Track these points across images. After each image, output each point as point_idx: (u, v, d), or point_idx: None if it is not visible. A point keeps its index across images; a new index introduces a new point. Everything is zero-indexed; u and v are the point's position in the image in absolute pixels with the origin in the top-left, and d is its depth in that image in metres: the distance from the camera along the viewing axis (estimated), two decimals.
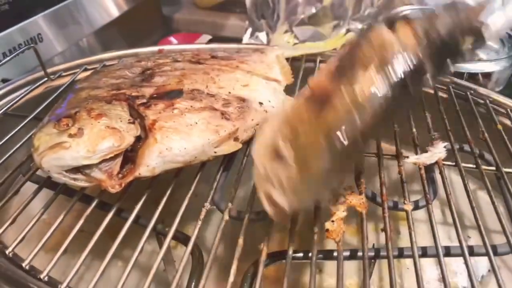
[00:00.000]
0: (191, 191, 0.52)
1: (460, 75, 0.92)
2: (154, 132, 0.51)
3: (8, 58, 0.65)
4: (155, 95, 0.56)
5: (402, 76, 0.42)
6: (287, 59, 0.79)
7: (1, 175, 0.57)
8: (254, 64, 0.70)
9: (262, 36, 1.42)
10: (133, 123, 0.52)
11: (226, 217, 0.48)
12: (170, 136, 0.51)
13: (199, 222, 0.48)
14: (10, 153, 0.58)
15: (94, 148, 0.47)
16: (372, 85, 0.41)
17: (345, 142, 0.39)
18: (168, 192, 0.52)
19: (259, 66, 0.70)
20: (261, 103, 0.61)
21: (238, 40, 1.44)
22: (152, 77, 0.60)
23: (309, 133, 0.40)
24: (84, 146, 0.47)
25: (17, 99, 0.68)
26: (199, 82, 0.60)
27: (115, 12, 1.19)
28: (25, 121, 0.63)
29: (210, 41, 1.35)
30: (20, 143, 0.59)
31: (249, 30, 1.44)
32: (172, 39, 1.28)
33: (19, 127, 0.62)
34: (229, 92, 0.61)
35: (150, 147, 0.50)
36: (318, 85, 0.44)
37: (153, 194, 0.53)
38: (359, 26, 1.38)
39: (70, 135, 0.48)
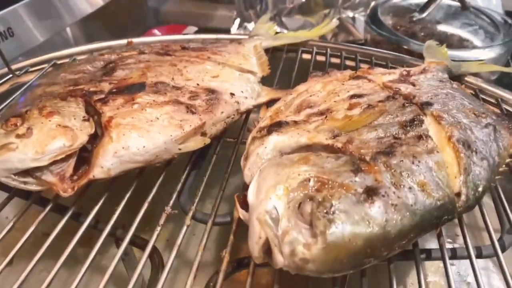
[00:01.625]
0: (152, 193, 0.48)
1: None
2: (110, 130, 0.47)
3: None
4: (114, 90, 0.52)
5: None
6: (267, 49, 0.75)
7: None
8: (228, 55, 0.66)
9: (251, 26, 1.37)
10: (88, 120, 0.48)
11: (188, 221, 0.45)
12: (127, 134, 0.47)
13: (158, 228, 0.44)
14: None
15: (43, 149, 0.44)
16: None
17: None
18: (128, 194, 0.48)
19: (234, 57, 0.66)
20: (232, 94, 0.57)
21: (226, 31, 1.40)
22: (113, 71, 0.56)
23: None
24: (32, 147, 0.44)
25: None
26: (164, 75, 0.56)
27: (98, 3, 1.14)
28: None
29: (196, 33, 1.31)
30: None
31: (237, 20, 1.39)
32: (155, 31, 1.24)
33: None
34: (198, 84, 0.57)
35: (104, 146, 0.46)
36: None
37: (114, 196, 0.49)
38: (351, 14, 1.34)
39: (18, 136, 0.44)
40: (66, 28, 1.04)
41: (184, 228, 0.44)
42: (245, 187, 0.47)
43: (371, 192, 0.37)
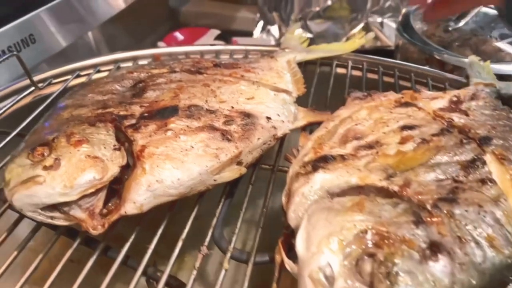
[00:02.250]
0: (186, 230, 0.45)
1: None
2: (143, 161, 0.44)
3: None
4: (146, 114, 0.49)
5: None
6: (299, 63, 0.71)
7: None
8: (261, 72, 0.62)
9: (274, 29, 1.34)
10: (119, 149, 0.45)
11: (226, 265, 0.41)
12: (161, 165, 0.44)
13: (195, 271, 0.41)
14: None
15: (71, 183, 0.41)
16: None
17: None
18: (160, 231, 0.45)
19: (268, 74, 0.62)
20: (268, 118, 0.53)
21: (249, 34, 1.36)
22: (144, 91, 0.53)
23: None
24: (60, 180, 0.41)
25: (1, 111, 0.61)
26: (197, 97, 0.53)
27: (120, 5, 1.11)
28: (6, 140, 0.56)
29: (218, 36, 1.28)
30: (1, 164, 0.53)
31: (261, 23, 1.35)
32: (177, 34, 1.21)
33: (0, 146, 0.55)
34: (232, 107, 0.53)
35: (137, 179, 0.43)
36: None
37: (144, 229, 0.46)
38: (379, 19, 1.29)
39: (45, 168, 0.41)
40: (88, 32, 1.01)
41: (223, 272, 0.41)
42: (285, 226, 0.44)
43: (435, 248, 0.34)
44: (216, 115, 0.51)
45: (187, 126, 0.48)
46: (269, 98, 0.57)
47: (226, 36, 1.30)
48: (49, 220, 0.43)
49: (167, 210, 0.47)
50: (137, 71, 0.58)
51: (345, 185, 0.41)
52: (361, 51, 0.78)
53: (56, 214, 0.43)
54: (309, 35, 1.28)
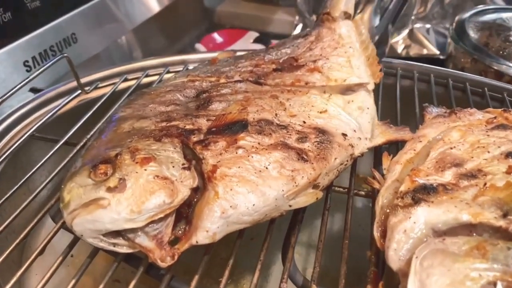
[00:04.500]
0: (261, 261, 0.40)
1: None
2: (215, 183, 0.39)
3: (38, 72, 0.54)
4: (214, 128, 0.44)
5: None
6: None
7: (25, 216, 0.47)
8: (327, 64, 0.57)
9: None
10: (189, 168, 0.40)
11: None
12: (235, 189, 0.39)
13: None
14: (37, 191, 0.48)
15: (139, 208, 0.36)
16: None
17: None
18: (231, 262, 0.40)
19: (335, 63, 0.57)
20: (344, 135, 0.48)
21: (287, 37, 1.31)
22: (209, 103, 0.48)
23: None
24: (126, 204, 0.36)
25: (46, 117, 0.57)
26: (266, 110, 0.48)
27: (155, 7, 1.07)
28: (54, 149, 0.52)
29: (256, 39, 1.23)
30: (47, 179, 0.49)
31: (299, 26, 1.30)
32: (215, 36, 1.17)
33: (47, 157, 0.51)
34: (304, 122, 0.48)
35: (210, 204, 0.38)
36: None
37: (213, 258, 0.42)
38: (426, 26, 1.23)
39: (109, 189, 0.37)
40: (126, 34, 0.97)
41: None
42: (374, 262, 0.39)
43: None
44: (288, 130, 0.46)
45: (258, 143, 0.43)
46: (343, 109, 0.52)
47: (264, 39, 1.26)
48: (111, 248, 0.38)
49: (237, 237, 0.42)
50: (198, 79, 0.53)
51: (453, 222, 0.35)
52: (407, 58, 0.73)
53: (120, 241, 0.38)
54: None
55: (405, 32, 1.24)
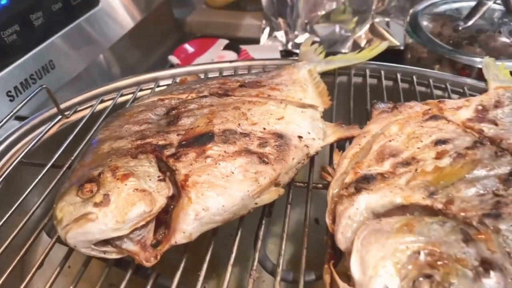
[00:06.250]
0: (233, 255, 0.46)
1: None
2: (188, 190, 0.45)
3: (22, 104, 0.60)
4: (184, 142, 0.50)
5: None
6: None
7: (22, 234, 0.52)
8: (286, 88, 0.64)
9: (281, 35, 1.35)
10: (164, 180, 0.46)
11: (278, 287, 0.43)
12: (205, 194, 0.45)
13: None
14: (32, 211, 0.53)
15: (123, 218, 0.42)
16: None
17: None
18: (208, 257, 0.46)
19: (292, 90, 0.64)
20: (300, 137, 0.55)
21: (256, 41, 1.37)
22: (178, 119, 0.54)
23: None
24: (112, 216, 0.42)
25: (31, 144, 0.62)
26: (230, 120, 0.54)
27: (129, 24, 1.12)
28: (42, 173, 0.57)
29: (227, 46, 1.28)
30: (40, 200, 0.54)
31: (267, 29, 1.36)
32: (187, 46, 1.22)
33: (36, 180, 0.56)
34: (264, 129, 0.54)
35: (184, 209, 0.44)
36: None
37: (190, 253, 0.48)
38: (385, 20, 1.30)
39: (96, 204, 0.42)
40: (102, 53, 1.02)
41: None
42: (329, 244, 0.45)
43: (486, 265, 0.35)
44: (250, 138, 0.52)
45: (224, 151, 0.50)
46: (298, 116, 0.58)
47: (234, 45, 1.31)
48: (102, 255, 0.44)
49: (212, 234, 0.48)
50: (167, 98, 0.59)
51: (389, 205, 0.42)
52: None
53: (109, 248, 0.44)
54: (316, 39, 1.29)
55: (366, 27, 1.31)
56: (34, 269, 0.47)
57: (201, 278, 0.44)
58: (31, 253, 0.61)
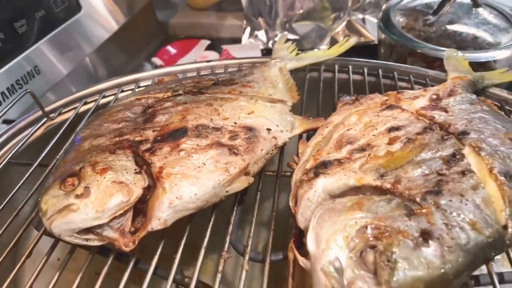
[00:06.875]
0: (206, 238, 0.50)
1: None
2: (162, 181, 0.49)
3: (8, 107, 0.64)
4: (159, 137, 0.54)
5: None
6: (290, 71, 0.77)
7: (13, 229, 0.56)
8: (257, 85, 0.68)
9: (261, 34, 1.39)
10: (140, 172, 0.50)
11: (246, 266, 0.47)
12: (179, 184, 0.49)
13: (219, 275, 0.46)
14: (20, 207, 0.57)
15: (103, 208, 0.46)
16: None
17: None
18: (183, 241, 0.50)
19: (263, 86, 0.68)
20: (269, 130, 0.59)
21: (237, 41, 1.41)
22: (154, 116, 0.58)
23: None
24: (92, 206, 0.46)
25: (19, 145, 0.66)
26: (203, 116, 0.58)
27: (113, 27, 1.16)
28: (30, 171, 0.61)
29: (209, 46, 1.33)
30: (27, 197, 0.58)
31: (248, 29, 1.40)
32: (169, 48, 1.26)
33: (24, 178, 0.60)
34: (235, 123, 0.59)
35: (159, 198, 0.48)
36: None
37: (169, 240, 0.52)
38: (360, 16, 1.34)
39: (77, 196, 0.47)
40: (87, 57, 1.06)
41: (244, 273, 0.46)
42: (294, 226, 0.49)
43: (426, 236, 0.39)
44: (222, 131, 0.56)
45: (197, 145, 0.54)
46: (267, 110, 0.62)
47: (216, 45, 1.36)
48: (85, 242, 0.48)
49: (187, 221, 0.53)
50: (144, 97, 0.63)
51: (344, 187, 0.46)
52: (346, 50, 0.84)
53: (91, 236, 0.48)
54: (295, 37, 1.33)
55: (343, 23, 1.35)
56: (23, 258, 0.51)
57: (176, 261, 0.48)
58: (21, 246, 0.65)
